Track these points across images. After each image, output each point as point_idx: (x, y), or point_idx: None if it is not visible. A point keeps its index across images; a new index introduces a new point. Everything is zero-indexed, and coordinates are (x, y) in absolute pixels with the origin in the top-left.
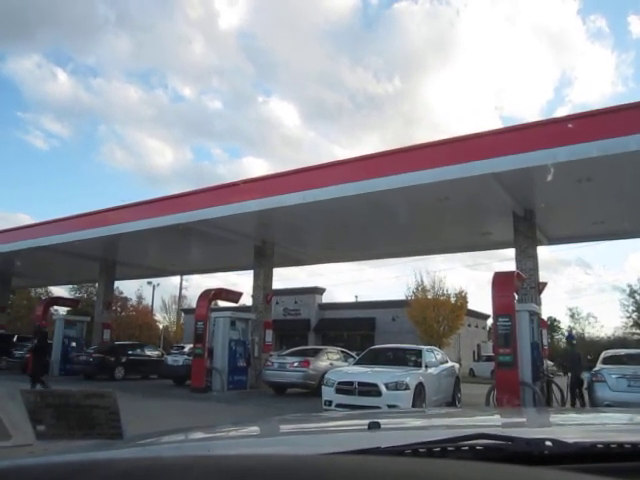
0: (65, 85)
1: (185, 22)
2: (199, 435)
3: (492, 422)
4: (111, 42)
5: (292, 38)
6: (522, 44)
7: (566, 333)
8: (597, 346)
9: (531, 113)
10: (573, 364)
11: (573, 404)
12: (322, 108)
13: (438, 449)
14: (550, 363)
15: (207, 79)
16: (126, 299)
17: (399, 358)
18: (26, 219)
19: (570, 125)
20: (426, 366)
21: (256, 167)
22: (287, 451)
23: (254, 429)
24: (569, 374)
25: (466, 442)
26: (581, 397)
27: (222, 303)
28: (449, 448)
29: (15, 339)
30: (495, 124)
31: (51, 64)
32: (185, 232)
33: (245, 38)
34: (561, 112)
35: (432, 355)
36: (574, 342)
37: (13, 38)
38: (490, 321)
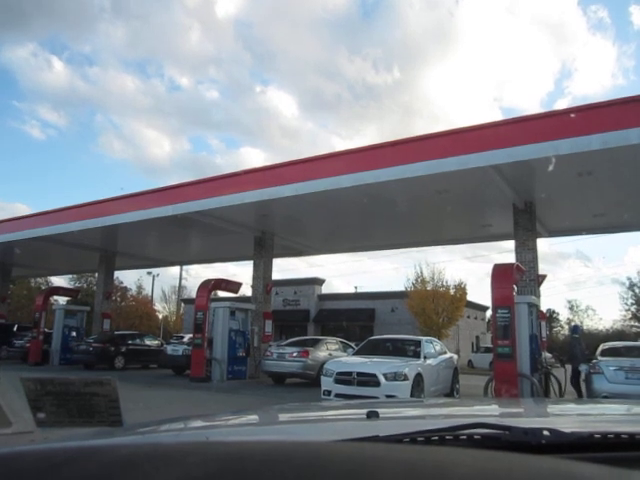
0: (61, 74)
1: (181, 10)
2: (198, 423)
3: (490, 412)
4: (107, 31)
5: (289, 27)
6: (522, 35)
7: (566, 326)
8: (595, 339)
9: (531, 105)
10: (571, 356)
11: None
12: (320, 98)
13: (436, 438)
14: (548, 355)
15: (204, 68)
16: (126, 289)
17: (398, 349)
18: (24, 209)
19: (571, 117)
20: (425, 357)
21: (254, 157)
22: (286, 439)
23: (253, 418)
24: (566, 366)
25: (464, 431)
26: (578, 388)
27: (222, 293)
28: (447, 437)
29: (15, 329)
30: (494, 115)
31: (47, 53)
32: (184, 222)
33: (242, 27)
34: (561, 104)
35: (431, 346)
36: (575, 335)
37: (8, 26)
38: (489, 313)
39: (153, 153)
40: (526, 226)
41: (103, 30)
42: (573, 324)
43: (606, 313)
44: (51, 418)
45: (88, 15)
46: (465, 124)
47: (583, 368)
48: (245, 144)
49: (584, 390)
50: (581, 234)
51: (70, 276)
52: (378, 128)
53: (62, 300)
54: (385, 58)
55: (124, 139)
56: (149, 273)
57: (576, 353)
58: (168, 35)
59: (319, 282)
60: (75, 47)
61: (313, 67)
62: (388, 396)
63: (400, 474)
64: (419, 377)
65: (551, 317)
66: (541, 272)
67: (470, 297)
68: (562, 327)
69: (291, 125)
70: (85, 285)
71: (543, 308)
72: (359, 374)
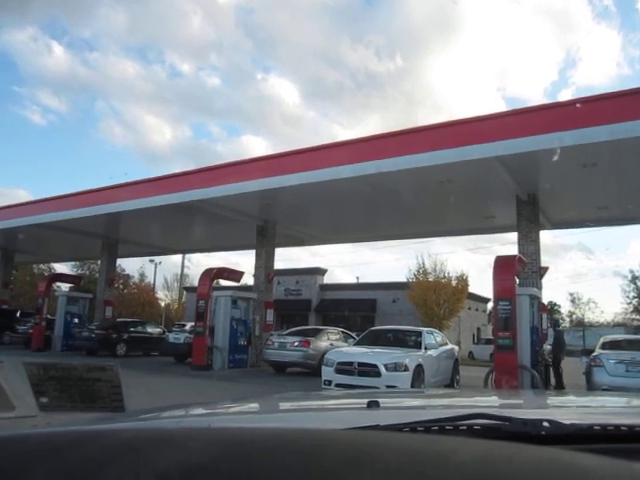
0: (61, 59)
1: None
2: (200, 410)
3: (490, 403)
4: (107, 15)
5: (291, 14)
6: (526, 23)
7: (568, 319)
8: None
9: (535, 94)
10: (555, 347)
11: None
12: (322, 86)
13: (436, 428)
14: (549, 347)
15: (205, 55)
16: (128, 277)
17: (399, 339)
18: (25, 195)
19: (576, 108)
20: (425, 348)
21: (255, 145)
22: (287, 427)
23: (254, 406)
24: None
25: (464, 422)
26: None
27: (224, 282)
28: (447, 427)
29: (18, 314)
30: (498, 105)
31: (47, 37)
32: (188, 210)
33: (243, 13)
34: (565, 94)
35: (432, 337)
36: (558, 329)
37: (7, 9)
38: (490, 304)
39: (154, 140)
40: (529, 218)
41: (103, 15)
42: (555, 319)
43: (608, 306)
44: (54, 403)
45: None
46: (468, 114)
47: (584, 361)
48: (246, 132)
49: (576, 381)
50: (584, 227)
51: (73, 263)
52: (380, 117)
53: (64, 287)
54: (388, 46)
55: (125, 125)
56: (151, 261)
57: (561, 345)
58: (169, 20)
59: (321, 272)
60: (75, 32)
61: (315, 55)
62: (389, 386)
63: (400, 462)
64: (420, 368)
65: (552, 309)
66: (543, 264)
67: (472, 289)
68: (563, 320)
69: (293, 113)
70: (88, 272)
71: (544, 300)
72: (360, 364)
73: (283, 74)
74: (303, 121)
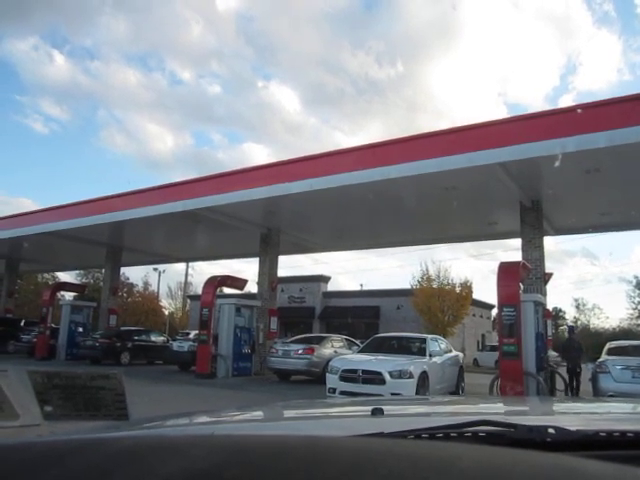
0: (63, 68)
1: (183, 3)
2: (203, 418)
3: (495, 410)
4: (108, 24)
5: (291, 21)
6: (526, 29)
7: (567, 327)
8: (602, 337)
9: (536, 100)
10: (572, 353)
11: (569, 392)
12: (323, 93)
13: (441, 435)
14: (554, 354)
15: (206, 63)
16: (132, 285)
17: (403, 347)
18: (28, 203)
19: (578, 114)
20: (430, 355)
21: (257, 153)
22: (291, 434)
23: (258, 414)
24: (567, 364)
25: (469, 428)
26: (577, 385)
27: (227, 290)
28: (452, 434)
29: (22, 323)
30: (499, 111)
31: (48, 46)
32: (192, 218)
33: (243, 21)
34: (566, 99)
35: (436, 344)
36: (573, 335)
37: (8, 19)
38: (495, 311)
39: (155, 148)
40: (533, 224)
41: (104, 23)
42: (569, 325)
43: (613, 312)
44: (58, 411)
45: (89, 8)
46: (470, 120)
47: (590, 367)
48: (248, 139)
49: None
50: (587, 232)
51: (77, 272)
52: (382, 123)
53: (69, 296)
54: (388, 52)
55: (126, 133)
56: (155, 269)
57: (574, 350)
58: (169, 28)
59: (325, 279)
60: (76, 40)
61: (315, 61)
62: (393, 394)
63: (403, 468)
64: (424, 375)
65: (557, 315)
66: (547, 270)
67: (476, 295)
68: (567, 326)
69: (294, 120)
70: (92, 281)
71: (549, 306)
72: (364, 372)
73: (284, 81)
74: (304, 128)
